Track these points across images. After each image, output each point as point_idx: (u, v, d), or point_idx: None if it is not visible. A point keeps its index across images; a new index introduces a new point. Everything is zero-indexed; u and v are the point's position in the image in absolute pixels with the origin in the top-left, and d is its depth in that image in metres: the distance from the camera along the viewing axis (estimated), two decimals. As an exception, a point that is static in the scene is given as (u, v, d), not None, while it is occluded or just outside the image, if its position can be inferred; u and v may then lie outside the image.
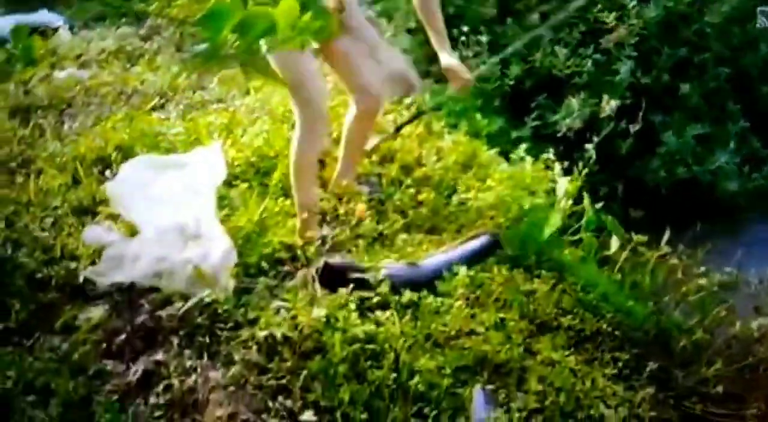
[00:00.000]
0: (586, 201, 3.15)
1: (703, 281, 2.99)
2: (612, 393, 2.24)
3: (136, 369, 2.22)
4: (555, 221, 2.87)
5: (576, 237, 3.11)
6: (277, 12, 1.24)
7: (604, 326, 2.51)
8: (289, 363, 2.14)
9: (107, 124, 3.69)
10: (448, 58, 2.90)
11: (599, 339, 2.48)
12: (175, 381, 2.16)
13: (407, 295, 2.36)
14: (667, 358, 2.52)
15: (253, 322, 2.23)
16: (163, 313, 2.39)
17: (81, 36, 5.44)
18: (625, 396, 2.25)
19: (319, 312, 2.19)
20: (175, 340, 2.31)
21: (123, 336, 2.33)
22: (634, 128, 3.93)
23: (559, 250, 2.94)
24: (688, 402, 2.36)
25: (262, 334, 2.18)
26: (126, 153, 3.33)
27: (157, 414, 2.09)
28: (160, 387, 2.15)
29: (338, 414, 2.01)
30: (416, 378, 2.10)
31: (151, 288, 2.49)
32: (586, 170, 3.08)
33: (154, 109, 4.02)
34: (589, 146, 3.16)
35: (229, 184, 3.04)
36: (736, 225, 4.30)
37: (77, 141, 3.55)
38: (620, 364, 2.39)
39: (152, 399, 2.13)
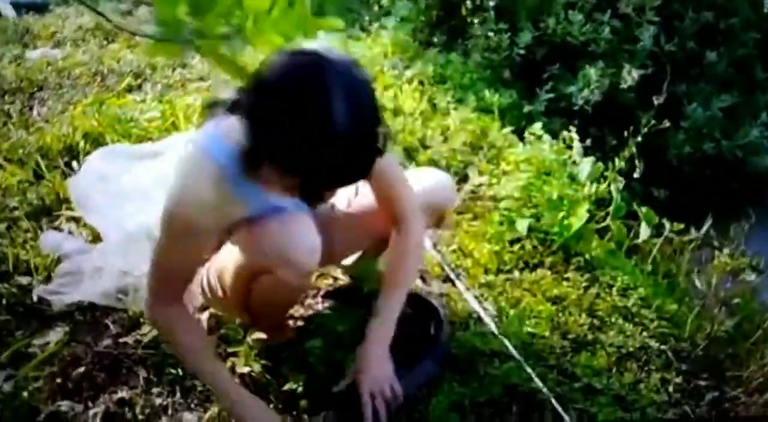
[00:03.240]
0: (614, 185, 2.70)
1: (751, 277, 2.57)
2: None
3: (96, 412, 1.78)
4: (582, 212, 2.42)
5: (601, 226, 2.67)
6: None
7: (650, 341, 2.08)
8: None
9: (77, 108, 3.22)
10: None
11: (644, 357, 2.05)
12: (142, 426, 1.73)
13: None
14: (719, 377, 2.09)
15: (234, 354, 1.79)
16: (129, 339, 1.96)
17: (57, 13, 4.94)
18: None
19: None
20: (142, 373, 1.88)
21: (82, 369, 1.88)
22: (657, 100, 3.46)
23: (588, 244, 2.50)
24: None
25: (244, 369, 1.75)
26: (95, 142, 2.88)
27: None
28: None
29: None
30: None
31: (116, 307, 2.06)
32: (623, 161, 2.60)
33: (129, 90, 3.54)
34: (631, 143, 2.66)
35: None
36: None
37: (43, 129, 3.08)
38: (671, 388, 1.96)
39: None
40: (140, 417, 1.78)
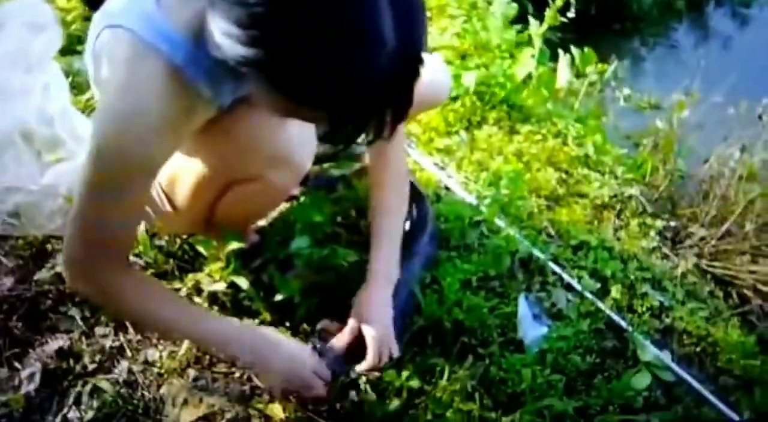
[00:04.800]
0: (536, 29, 2.52)
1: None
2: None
3: (31, 372, 1.37)
4: (526, 59, 2.22)
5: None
6: None
7: (621, 189, 1.99)
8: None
9: None
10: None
11: (619, 205, 1.96)
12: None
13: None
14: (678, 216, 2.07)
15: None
16: (43, 274, 1.52)
17: None
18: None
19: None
20: (76, 313, 1.47)
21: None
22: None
23: (528, 94, 2.33)
24: None
25: (219, 286, 1.41)
26: None
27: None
28: None
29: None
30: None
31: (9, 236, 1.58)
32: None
33: None
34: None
35: (71, 51, 2.06)
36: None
37: None
38: (652, 233, 1.90)
39: None
40: (91, 366, 1.39)
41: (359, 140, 0.94)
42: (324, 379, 1.23)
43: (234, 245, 1.35)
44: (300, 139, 1.18)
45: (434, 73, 1.51)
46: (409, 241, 1.52)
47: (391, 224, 1.44)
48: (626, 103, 2.86)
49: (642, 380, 1.48)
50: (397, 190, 1.48)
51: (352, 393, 1.31)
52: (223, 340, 1.22)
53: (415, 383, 1.28)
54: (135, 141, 0.97)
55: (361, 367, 1.30)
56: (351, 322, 1.34)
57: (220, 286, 1.41)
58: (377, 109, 0.85)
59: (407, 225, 1.54)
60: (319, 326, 1.38)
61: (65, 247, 1.10)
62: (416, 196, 1.63)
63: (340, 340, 1.33)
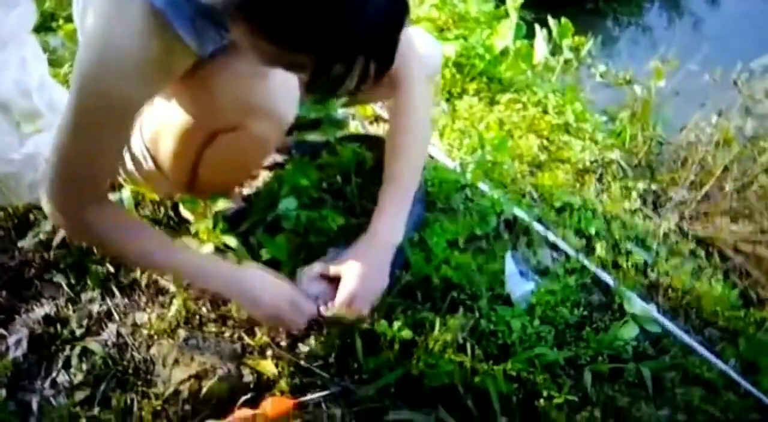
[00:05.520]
0: (512, 3, 2.53)
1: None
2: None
3: (18, 338, 1.35)
4: (505, 31, 2.22)
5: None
6: None
7: (601, 154, 2.00)
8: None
9: None
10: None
11: (599, 170, 1.97)
12: None
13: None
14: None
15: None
16: (25, 243, 1.50)
17: None
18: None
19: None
20: (62, 279, 1.45)
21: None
22: None
23: (506, 66, 2.33)
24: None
25: (207, 248, 1.39)
26: None
27: None
28: None
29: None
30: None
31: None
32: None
33: None
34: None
35: (46, 28, 2.04)
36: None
37: None
38: (634, 194, 1.92)
39: None
40: (79, 331, 1.38)
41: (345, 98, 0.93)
42: (308, 312, 1.23)
43: (221, 204, 1.33)
44: (283, 91, 1.17)
45: (426, 47, 1.51)
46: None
47: (403, 183, 1.38)
48: (602, 79, 2.87)
49: (629, 331, 1.49)
50: (415, 148, 1.41)
51: (344, 344, 1.30)
52: (205, 274, 1.21)
53: (406, 334, 1.27)
54: (115, 75, 0.97)
55: (326, 311, 1.26)
56: (333, 269, 1.29)
57: (208, 248, 1.40)
58: (362, 50, 0.85)
59: None
60: (299, 270, 1.34)
61: (45, 184, 1.10)
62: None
63: (317, 284, 1.30)
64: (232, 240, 1.35)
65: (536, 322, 1.42)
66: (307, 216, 1.48)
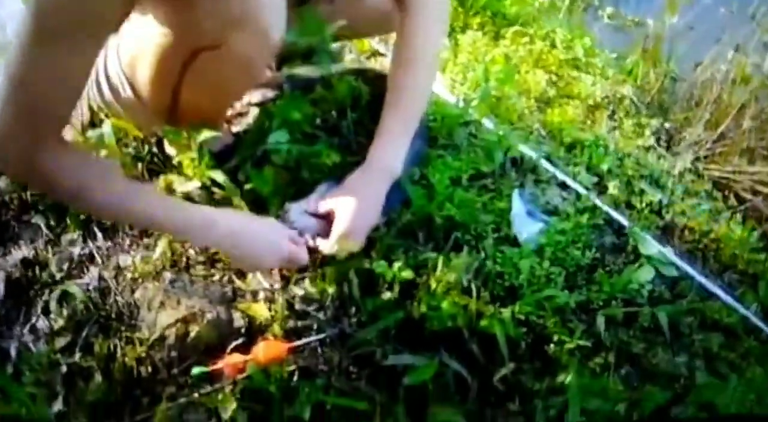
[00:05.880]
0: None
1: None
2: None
3: (-10, 282, 1.26)
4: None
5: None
6: None
7: (613, 89, 1.88)
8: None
9: None
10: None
11: (611, 106, 1.86)
12: None
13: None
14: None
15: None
16: None
17: None
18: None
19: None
20: (40, 220, 1.35)
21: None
22: None
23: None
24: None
25: (190, 186, 1.29)
26: None
27: None
28: None
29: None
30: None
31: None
32: None
33: None
34: None
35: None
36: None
37: None
38: (647, 132, 1.81)
39: None
40: (59, 274, 1.28)
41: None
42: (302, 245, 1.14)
43: (205, 134, 1.22)
44: (268, 3, 1.04)
45: None
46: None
47: (406, 108, 1.26)
48: (610, 21, 2.74)
49: (645, 274, 1.40)
50: (423, 71, 1.29)
51: (341, 286, 1.21)
52: (185, 226, 1.09)
53: (407, 274, 1.18)
54: None
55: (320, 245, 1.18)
56: (323, 205, 1.20)
57: (194, 185, 1.30)
58: None
59: None
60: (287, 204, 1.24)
61: None
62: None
63: (307, 219, 1.20)
64: (219, 176, 1.24)
65: (546, 264, 1.32)
66: (300, 152, 1.37)
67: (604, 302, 1.33)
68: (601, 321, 1.28)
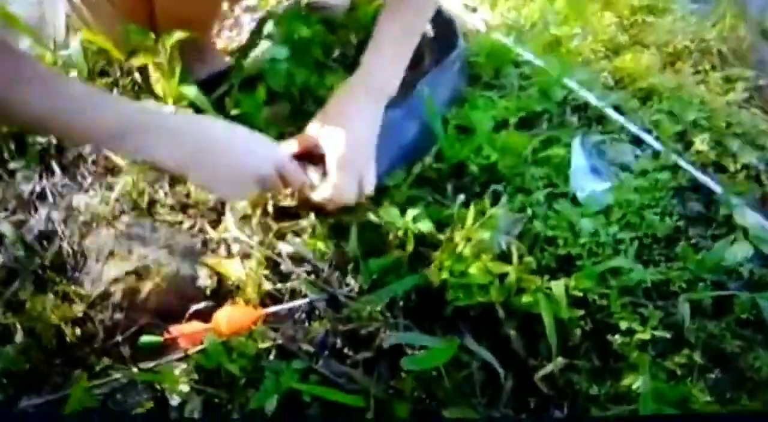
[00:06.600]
0: None
1: None
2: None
3: None
4: None
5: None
6: None
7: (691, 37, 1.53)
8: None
9: None
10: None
11: (692, 54, 1.51)
12: None
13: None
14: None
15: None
16: None
17: None
18: None
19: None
20: None
21: None
22: None
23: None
24: None
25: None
26: None
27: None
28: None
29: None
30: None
31: None
32: None
33: None
34: None
35: None
36: None
37: None
38: (738, 86, 1.45)
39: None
40: (11, 216, 1.03)
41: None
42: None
43: (177, 35, 0.94)
44: None
45: None
46: (427, 60, 1.10)
47: (407, 10, 0.98)
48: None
49: (741, 251, 1.06)
50: None
51: (338, 241, 0.91)
52: (119, 125, 0.75)
53: (425, 226, 0.87)
54: None
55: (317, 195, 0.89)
56: (302, 139, 0.92)
57: (169, 109, 1.02)
58: None
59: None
60: None
61: None
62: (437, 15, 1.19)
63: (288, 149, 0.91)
64: (191, 91, 0.96)
65: (613, 228, 1.00)
66: (306, 79, 1.08)
67: (688, 283, 0.99)
68: (684, 307, 0.95)
